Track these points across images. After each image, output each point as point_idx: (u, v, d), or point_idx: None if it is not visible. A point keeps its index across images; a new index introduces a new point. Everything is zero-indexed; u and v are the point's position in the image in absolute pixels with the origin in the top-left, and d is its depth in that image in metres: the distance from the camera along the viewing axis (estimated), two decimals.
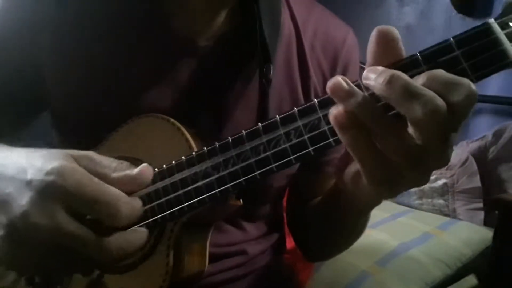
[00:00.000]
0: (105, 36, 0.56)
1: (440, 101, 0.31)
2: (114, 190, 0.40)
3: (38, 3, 0.57)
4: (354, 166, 0.41)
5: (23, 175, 0.38)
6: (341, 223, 0.58)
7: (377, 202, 0.46)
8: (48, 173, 0.37)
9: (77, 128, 0.59)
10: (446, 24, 1.88)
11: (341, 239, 0.65)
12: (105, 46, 0.56)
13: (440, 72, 0.32)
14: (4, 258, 0.40)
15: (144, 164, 0.45)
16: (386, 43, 0.34)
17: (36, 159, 0.39)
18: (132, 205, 0.42)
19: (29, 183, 0.38)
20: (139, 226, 0.46)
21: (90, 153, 0.42)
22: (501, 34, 0.33)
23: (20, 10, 0.58)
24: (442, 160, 0.34)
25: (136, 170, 0.44)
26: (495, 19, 0.33)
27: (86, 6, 0.57)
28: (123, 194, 0.41)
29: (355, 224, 0.58)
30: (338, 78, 0.33)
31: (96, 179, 0.39)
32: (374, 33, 0.34)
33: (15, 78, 0.59)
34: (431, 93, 0.31)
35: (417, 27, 2.00)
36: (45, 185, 0.37)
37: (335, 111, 0.34)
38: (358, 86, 0.38)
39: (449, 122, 0.32)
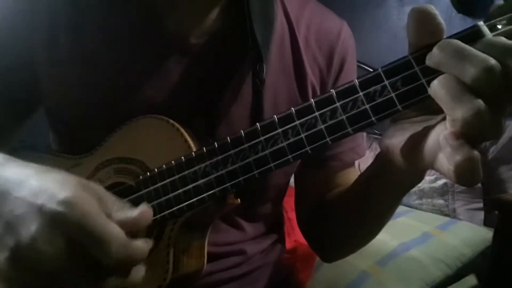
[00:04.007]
0: (98, 35, 0.56)
1: (493, 61, 0.31)
2: (118, 230, 0.38)
3: (32, 2, 0.57)
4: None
5: (34, 198, 0.38)
6: (373, 210, 0.56)
7: (421, 176, 0.46)
8: (59, 203, 0.37)
9: (72, 128, 0.59)
10: (446, 24, 1.84)
11: (368, 229, 0.62)
12: (98, 45, 0.56)
13: (499, 39, 0.33)
14: (6, 280, 0.39)
15: (143, 206, 0.42)
16: (425, 21, 0.35)
17: (49, 183, 0.39)
18: (128, 248, 0.39)
19: (39, 209, 0.37)
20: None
21: (99, 188, 0.41)
22: (490, 36, 0.33)
23: (15, 8, 0.58)
24: (495, 131, 0.34)
25: (136, 212, 0.41)
26: (484, 22, 0.34)
27: (79, 5, 0.57)
28: (124, 236, 0.39)
29: (390, 208, 0.55)
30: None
31: (103, 215, 0.38)
32: (410, 13, 0.35)
33: (10, 76, 0.59)
34: (484, 55, 0.31)
35: None
36: (55, 214, 0.37)
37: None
38: (353, 87, 0.39)
39: (504, 86, 0.32)
